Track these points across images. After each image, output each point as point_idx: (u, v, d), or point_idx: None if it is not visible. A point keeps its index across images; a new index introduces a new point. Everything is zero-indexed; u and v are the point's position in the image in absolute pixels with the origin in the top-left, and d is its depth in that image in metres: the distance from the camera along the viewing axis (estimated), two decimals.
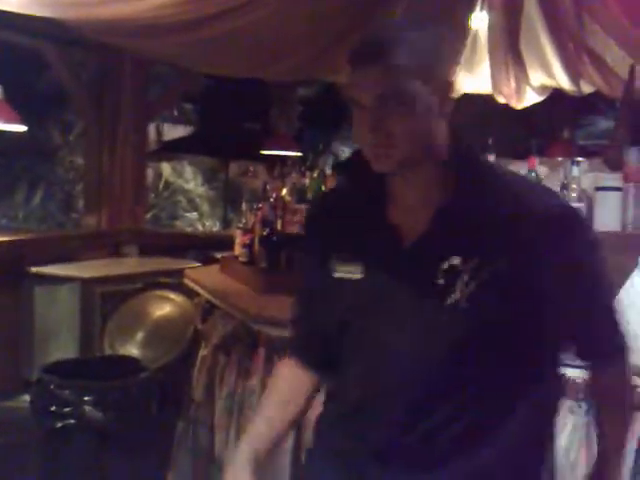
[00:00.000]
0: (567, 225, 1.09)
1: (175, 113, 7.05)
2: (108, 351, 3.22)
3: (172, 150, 6.88)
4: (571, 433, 1.93)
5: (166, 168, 7.19)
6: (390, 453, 1.13)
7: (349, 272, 1.15)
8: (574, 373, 1.94)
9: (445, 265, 1.06)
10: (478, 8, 4.31)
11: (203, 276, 2.93)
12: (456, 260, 1.06)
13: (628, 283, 2.17)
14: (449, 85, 1.09)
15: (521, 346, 1.10)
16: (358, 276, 1.14)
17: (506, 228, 1.07)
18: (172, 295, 3.47)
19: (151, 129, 6.13)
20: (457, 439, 1.10)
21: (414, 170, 1.10)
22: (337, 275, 1.16)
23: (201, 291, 2.78)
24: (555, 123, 5.21)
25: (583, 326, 1.19)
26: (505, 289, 1.07)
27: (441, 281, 1.06)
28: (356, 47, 1.06)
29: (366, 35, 1.08)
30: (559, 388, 1.35)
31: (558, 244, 1.08)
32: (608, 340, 1.22)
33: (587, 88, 4.57)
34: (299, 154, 5.46)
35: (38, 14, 3.04)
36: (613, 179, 2.56)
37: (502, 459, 1.13)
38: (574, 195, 2.35)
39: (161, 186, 7.15)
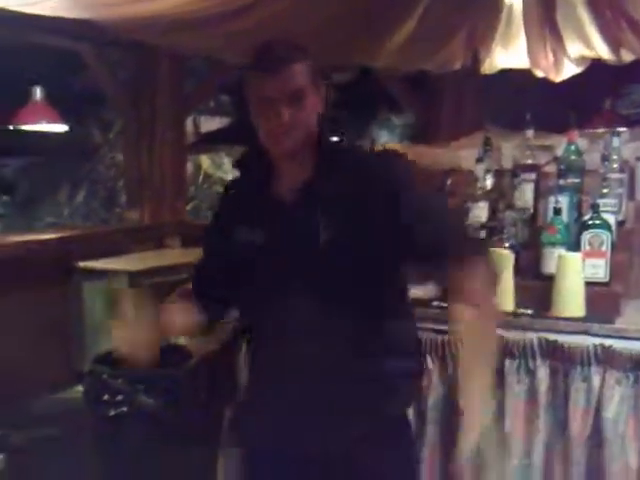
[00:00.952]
0: (390, 178, 1.48)
1: (212, 105, 7.11)
2: None
3: (210, 142, 6.94)
4: (618, 404, 1.91)
5: (205, 160, 7.26)
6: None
7: (251, 238, 1.52)
8: (620, 345, 1.93)
9: (312, 221, 1.46)
10: None
11: None
12: (320, 218, 1.46)
13: None
14: (326, 90, 1.52)
15: (371, 276, 1.48)
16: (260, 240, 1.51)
17: (350, 195, 1.46)
18: None
19: (188, 122, 6.19)
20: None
21: (297, 154, 1.50)
22: (241, 240, 1.53)
23: None
24: (595, 94, 5.10)
25: (422, 242, 1.44)
26: (356, 238, 1.44)
27: (311, 231, 1.46)
28: (263, 58, 1.48)
29: (267, 50, 1.49)
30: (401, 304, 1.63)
31: (386, 193, 1.45)
32: (451, 246, 1.45)
33: (627, 56, 4.46)
34: (337, 139, 5.46)
35: (73, 16, 3.10)
36: None
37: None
38: (615, 166, 2.30)
39: (201, 178, 7.22)
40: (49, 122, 5.02)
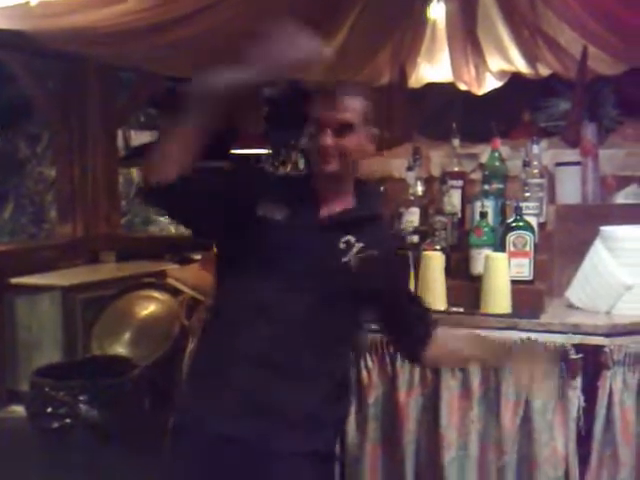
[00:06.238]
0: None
1: (142, 119, 7.06)
2: (98, 353, 3.27)
3: (141, 156, 6.89)
4: (546, 395, 2.04)
5: (136, 174, 7.20)
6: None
7: (272, 213, 1.61)
8: (545, 338, 2.07)
9: (344, 239, 1.62)
10: None
11: (185, 274, 3.00)
12: (351, 239, 1.62)
13: (591, 251, 2.30)
14: (373, 136, 1.67)
15: (361, 307, 1.72)
16: (279, 219, 1.61)
17: (379, 230, 1.72)
18: (156, 294, 3.52)
19: (118, 136, 6.12)
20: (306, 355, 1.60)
21: (339, 177, 1.64)
22: (260, 213, 1.60)
23: (184, 288, 2.85)
24: (516, 107, 5.35)
25: (396, 311, 1.80)
26: (374, 268, 1.63)
27: (341, 246, 1.61)
28: (334, 84, 1.69)
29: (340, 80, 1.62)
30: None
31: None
32: (420, 325, 1.79)
33: (544, 71, 4.71)
34: (267, 152, 5.52)
35: (2, 26, 3.07)
36: (572, 154, 2.68)
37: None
38: (536, 172, 2.46)
39: (132, 192, 7.15)
40: None
